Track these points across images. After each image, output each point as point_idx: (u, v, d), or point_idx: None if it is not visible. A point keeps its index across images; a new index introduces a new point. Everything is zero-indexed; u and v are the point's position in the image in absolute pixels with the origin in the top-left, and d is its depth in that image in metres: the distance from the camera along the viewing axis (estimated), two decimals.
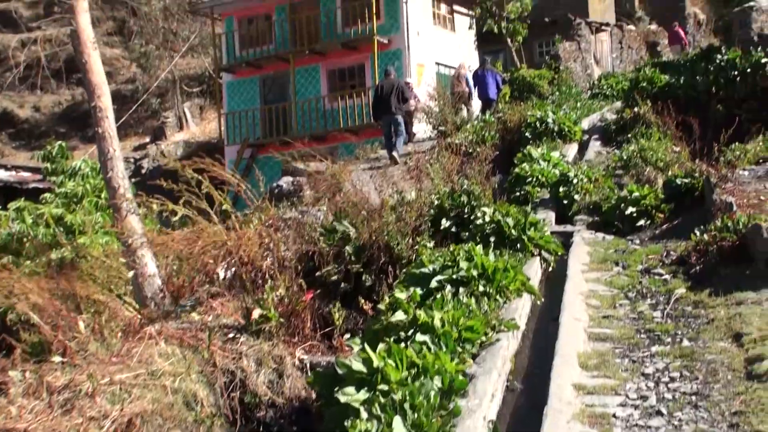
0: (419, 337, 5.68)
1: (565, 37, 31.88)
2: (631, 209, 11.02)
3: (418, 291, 7.06)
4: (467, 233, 9.46)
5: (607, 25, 35.79)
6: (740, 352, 5.20)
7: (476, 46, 30.74)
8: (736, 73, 16.26)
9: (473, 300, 6.75)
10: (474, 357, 5.70)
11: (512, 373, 5.80)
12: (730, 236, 7.72)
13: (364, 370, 5.19)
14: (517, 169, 14.19)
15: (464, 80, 22.12)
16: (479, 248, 7.65)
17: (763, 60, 16.04)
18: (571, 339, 5.85)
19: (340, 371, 5.26)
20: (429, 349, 5.51)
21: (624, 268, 8.51)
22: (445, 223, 9.68)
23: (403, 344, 5.70)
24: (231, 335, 6.54)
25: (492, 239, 9.04)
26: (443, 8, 29.07)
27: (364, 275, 8.23)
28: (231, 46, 29.45)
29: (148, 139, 38.73)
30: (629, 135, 16.06)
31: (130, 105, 40.57)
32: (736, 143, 13.04)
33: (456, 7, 29.76)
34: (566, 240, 10.51)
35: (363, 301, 7.33)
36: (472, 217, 9.67)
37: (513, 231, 9.03)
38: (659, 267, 8.28)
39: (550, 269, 9.03)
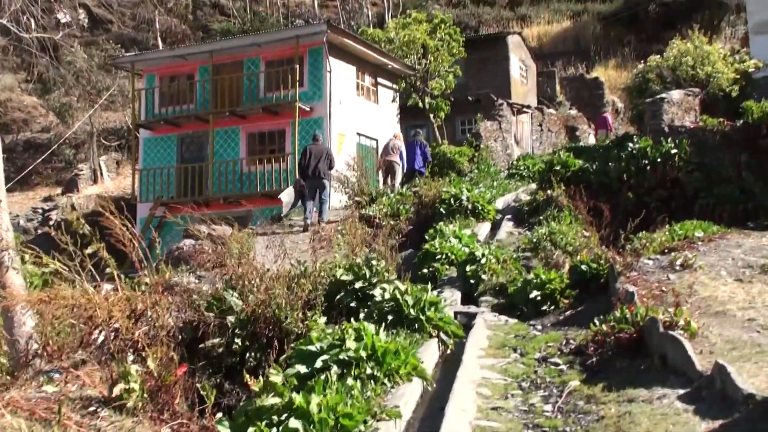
0: (292, 423, 5.27)
1: (486, 116, 32.34)
2: (536, 293, 10.85)
3: (302, 370, 6.68)
4: (366, 310, 9.12)
5: (529, 107, 36.53)
6: None
7: (399, 119, 30.90)
8: (646, 162, 16.53)
9: (359, 383, 6.37)
10: None
11: None
12: (628, 328, 7.54)
13: None
14: (427, 245, 14.00)
15: (398, 151, 22.08)
16: (371, 327, 7.30)
17: (673, 151, 16.35)
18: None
19: None
20: None
21: (522, 356, 8.24)
22: (342, 298, 9.33)
23: (275, 430, 5.28)
24: (92, 409, 6.01)
25: (390, 317, 8.72)
26: (367, 80, 29.19)
27: (249, 351, 7.80)
28: (150, 102, 28.98)
29: (59, 191, 37.59)
30: (541, 217, 16.09)
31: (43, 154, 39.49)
32: (644, 232, 13.10)
33: (380, 80, 29.95)
34: (469, 321, 10.25)
35: (248, 376, 6.84)
36: (373, 293, 9.34)
37: (412, 310, 8.72)
38: (557, 356, 8.03)
39: (449, 352, 8.72)
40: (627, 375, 6.79)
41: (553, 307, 10.71)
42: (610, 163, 17.29)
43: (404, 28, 30.79)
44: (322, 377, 6.47)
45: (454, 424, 5.65)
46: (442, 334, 8.77)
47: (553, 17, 55.37)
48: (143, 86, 29.81)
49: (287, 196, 20.49)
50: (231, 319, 7.88)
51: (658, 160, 16.50)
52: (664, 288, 9.80)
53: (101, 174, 37.68)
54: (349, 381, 6.40)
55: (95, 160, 38.22)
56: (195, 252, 10.65)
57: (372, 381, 6.51)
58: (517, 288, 11.17)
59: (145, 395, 6.16)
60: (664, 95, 18.55)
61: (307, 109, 26.06)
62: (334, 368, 6.65)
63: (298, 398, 5.46)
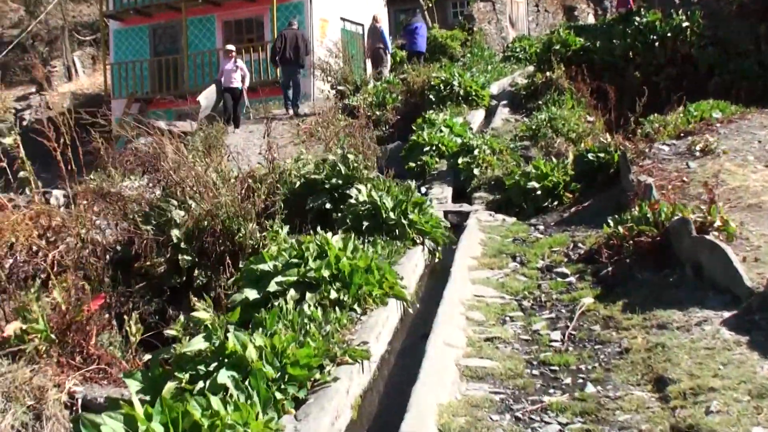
0: (222, 375, 3.99)
1: None
2: (536, 186, 9.54)
3: (252, 296, 5.40)
4: (341, 214, 7.80)
5: None
6: (664, 413, 3.64)
7: (386, 2, 28.85)
8: (655, 37, 15.00)
9: (320, 312, 5.09)
10: (300, 404, 4.05)
11: (354, 424, 4.16)
12: (650, 230, 6.23)
13: None
14: (414, 136, 12.61)
15: (380, 35, 20.36)
16: (337, 239, 5.97)
17: (684, 24, 14.78)
18: (435, 380, 4.21)
19: None
20: (230, 397, 3.82)
21: (522, 264, 6.94)
22: (313, 201, 7.99)
23: (202, 384, 4.02)
24: None
25: (366, 223, 7.41)
26: None
27: (197, 269, 6.51)
28: None
29: (33, 90, 35.65)
30: (540, 102, 14.70)
31: (16, 51, 37.46)
32: (655, 114, 11.74)
33: None
34: (461, 221, 9.02)
35: (195, 299, 5.54)
36: (350, 193, 8.01)
37: (392, 214, 7.40)
38: (564, 265, 6.74)
39: (436, 261, 7.46)
40: (652, 290, 5.50)
41: (555, 203, 9.44)
42: (614, 41, 15.74)
43: None
44: (276, 304, 5.21)
45: (435, 367, 4.38)
46: (428, 241, 7.49)
47: None
48: None
49: (205, 98, 18.43)
50: (176, 233, 6.56)
51: (668, 34, 14.94)
52: (685, 178, 8.48)
53: (76, 71, 35.70)
54: (309, 308, 5.13)
55: (68, 56, 36.14)
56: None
57: (337, 307, 5.23)
58: (515, 182, 9.86)
59: (51, 335, 4.88)
60: None
61: None
62: (291, 292, 5.37)
63: (231, 340, 4.18)
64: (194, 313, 4.49)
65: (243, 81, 17.69)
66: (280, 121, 17.63)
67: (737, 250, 5.69)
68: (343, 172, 8.25)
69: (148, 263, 6.42)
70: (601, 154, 9.95)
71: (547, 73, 15.62)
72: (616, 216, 6.87)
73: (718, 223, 5.95)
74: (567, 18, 35.09)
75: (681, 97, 12.37)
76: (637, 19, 15.67)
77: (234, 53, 17.98)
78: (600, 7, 36.61)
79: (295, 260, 5.62)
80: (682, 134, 10.82)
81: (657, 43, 15.00)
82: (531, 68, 19.79)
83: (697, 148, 9.62)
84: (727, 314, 4.69)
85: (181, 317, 4.66)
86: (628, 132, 11.23)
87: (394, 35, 26.32)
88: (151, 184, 7.40)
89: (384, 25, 21.26)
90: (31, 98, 33.56)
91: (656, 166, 9.24)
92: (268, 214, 7.01)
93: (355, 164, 8.42)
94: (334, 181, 8.10)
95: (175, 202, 6.55)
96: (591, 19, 34.23)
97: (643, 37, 15.25)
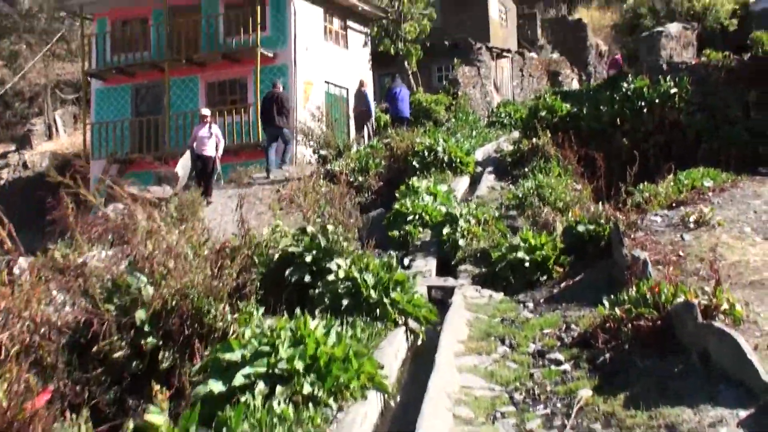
0: None
1: (464, 61, 30.42)
2: (524, 260, 9.12)
3: (217, 389, 4.89)
4: (318, 291, 7.33)
5: (509, 51, 34.49)
6: None
7: (371, 66, 28.76)
8: (643, 103, 14.80)
9: (291, 409, 4.60)
10: None
11: None
12: (650, 313, 5.80)
13: None
14: (397, 205, 12.22)
15: (365, 99, 20.19)
16: (315, 324, 5.49)
17: (672, 90, 14.60)
18: None
19: None
20: None
21: (512, 349, 6.46)
22: (290, 276, 7.53)
23: None
24: None
25: (345, 302, 6.94)
26: (336, 23, 26.91)
27: (162, 351, 6.00)
28: (101, 50, 26.55)
29: (13, 148, 35.18)
30: (526, 169, 14.42)
31: None
32: (645, 183, 11.45)
33: (350, 23, 27.67)
34: (445, 298, 8.56)
35: (158, 388, 5.02)
36: (329, 267, 7.55)
37: (373, 292, 6.95)
38: (557, 349, 6.27)
39: (420, 343, 6.98)
40: (655, 381, 5.04)
41: (545, 277, 9.02)
42: (601, 107, 15.53)
43: None
44: (243, 399, 4.71)
45: None
46: (411, 321, 7.02)
47: None
48: (94, 32, 27.34)
49: (183, 168, 17.64)
50: (140, 314, 6.05)
51: (656, 101, 14.75)
52: (681, 252, 8.12)
53: (56, 129, 35.31)
54: (279, 405, 4.63)
55: (50, 114, 35.79)
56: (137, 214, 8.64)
57: (311, 403, 4.73)
58: (502, 254, 9.44)
59: None
60: (661, 29, 16.74)
61: (270, 55, 23.88)
62: (261, 385, 4.87)
63: None
64: (147, 417, 3.96)
65: (216, 149, 16.79)
66: (260, 186, 17.26)
67: (746, 335, 5.26)
68: (322, 245, 7.82)
69: (107, 347, 5.90)
70: (592, 226, 9.57)
71: (534, 140, 15.38)
72: (612, 296, 6.44)
73: (725, 306, 5.53)
74: (551, 83, 35.23)
75: (670, 165, 12.10)
76: (625, 84, 15.50)
77: (209, 118, 17.07)
78: (584, 72, 36.84)
79: (265, 348, 5.13)
80: (674, 204, 10.51)
81: (645, 110, 14.81)
82: (516, 134, 19.61)
83: (691, 219, 9.29)
84: (743, 413, 4.24)
85: (131, 424, 4.13)
86: (618, 201, 10.90)
87: (378, 99, 26.18)
88: (118, 256, 6.91)
89: (369, 90, 21.10)
90: (9, 157, 33.10)
91: (649, 238, 8.87)
92: (241, 293, 6.53)
93: (335, 236, 7.99)
94: (312, 254, 7.66)
95: (144, 279, 6.06)
96: (575, 84, 34.40)
97: (630, 103, 15.06)
